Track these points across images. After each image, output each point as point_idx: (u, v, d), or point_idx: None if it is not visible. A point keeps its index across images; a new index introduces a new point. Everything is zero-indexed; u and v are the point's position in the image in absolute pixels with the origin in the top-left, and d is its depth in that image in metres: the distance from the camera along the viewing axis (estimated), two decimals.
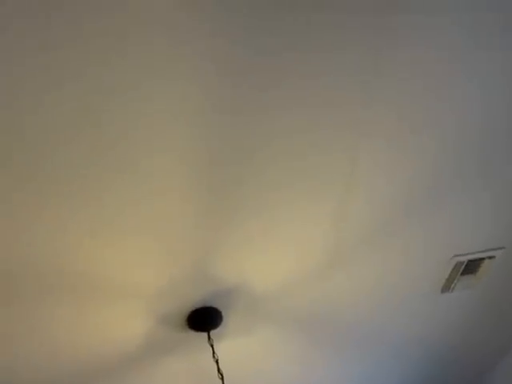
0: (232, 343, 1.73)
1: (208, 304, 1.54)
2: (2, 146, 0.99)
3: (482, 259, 1.78)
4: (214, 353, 1.54)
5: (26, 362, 1.54)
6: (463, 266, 1.78)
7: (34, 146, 1.01)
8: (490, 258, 1.78)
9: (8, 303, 1.33)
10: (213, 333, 1.62)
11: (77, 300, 1.39)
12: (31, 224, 1.15)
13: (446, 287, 1.84)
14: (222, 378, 1.49)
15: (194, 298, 1.50)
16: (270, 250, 1.44)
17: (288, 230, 1.39)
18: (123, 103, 0.99)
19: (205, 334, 1.62)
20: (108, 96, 0.98)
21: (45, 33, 0.86)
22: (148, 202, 1.19)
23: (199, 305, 1.53)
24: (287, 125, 1.13)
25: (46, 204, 1.12)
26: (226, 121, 1.09)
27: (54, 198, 1.12)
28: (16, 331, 1.43)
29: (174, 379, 1.80)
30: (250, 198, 1.26)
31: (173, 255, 1.34)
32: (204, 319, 1.54)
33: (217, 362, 1.52)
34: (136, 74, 0.96)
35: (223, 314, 1.58)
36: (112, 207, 1.18)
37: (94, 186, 1.13)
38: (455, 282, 1.83)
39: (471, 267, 1.81)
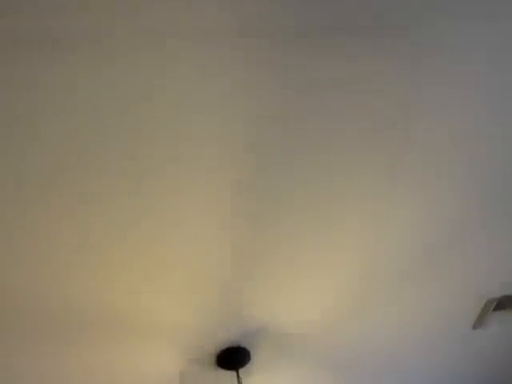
0: (261, 380, 1.73)
1: (237, 343, 1.55)
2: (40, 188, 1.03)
3: None
4: None
5: None
6: (495, 303, 1.75)
7: (74, 200, 1.06)
8: None
9: (45, 340, 1.38)
10: (241, 370, 1.64)
11: (107, 338, 1.42)
12: (65, 262, 1.19)
13: (478, 324, 1.80)
14: None
15: (223, 337, 1.52)
16: (299, 291, 1.44)
17: (316, 272, 1.39)
18: (160, 147, 1.02)
19: (234, 372, 1.63)
20: (150, 141, 1.00)
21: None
22: (181, 244, 1.21)
23: (228, 344, 1.54)
24: (317, 171, 1.15)
25: (80, 245, 1.16)
26: (255, 164, 1.10)
27: (89, 235, 1.15)
28: (50, 368, 1.47)
29: None
30: (279, 243, 1.28)
31: (204, 295, 1.36)
32: (233, 358, 1.56)
33: None
34: (171, 111, 0.96)
35: (252, 352, 1.59)
36: (147, 248, 1.20)
37: (126, 224, 1.15)
38: (487, 318, 1.79)
39: (503, 303, 1.77)
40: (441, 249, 1.48)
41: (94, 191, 1.06)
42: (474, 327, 1.82)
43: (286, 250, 1.31)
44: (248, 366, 1.63)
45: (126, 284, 1.28)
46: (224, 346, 1.55)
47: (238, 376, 1.58)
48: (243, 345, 1.57)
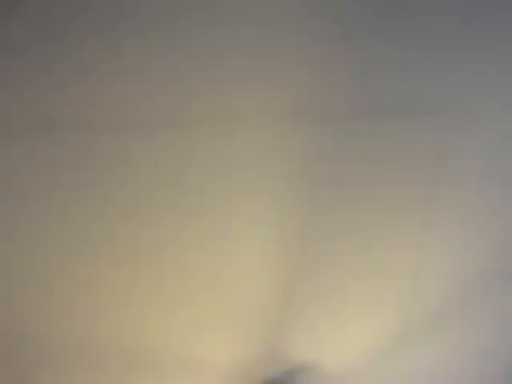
0: None
1: (280, 382, 1.53)
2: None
3: None
4: None
5: None
6: None
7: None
8: None
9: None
10: None
11: (144, 377, 1.41)
12: (113, 300, 1.19)
13: None
14: None
15: (267, 376, 1.50)
16: (344, 328, 1.41)
17: (359, 310, 1.38)
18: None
19: None
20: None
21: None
22: (227, 277, 1.20)
23: (272, 383, 1.52)
24: (361, 220, 1.17)
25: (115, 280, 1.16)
26: (304, 211, 1.12)
27: (138, 276, 1.15)
28: None
29: None
30: (323, 278, 1.28)
31: (247, 331, 1.35)
32: None
33: None
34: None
35: None
36: (191, 280, 1.19)
37: (167, 259, 1.14)
38: None
39: None
40: (489, 287, 1.45)
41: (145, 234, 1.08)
42: None
43: (328, 289, 1.30)
44: None
45: (168, 322, 1.27)
46: None
47: None
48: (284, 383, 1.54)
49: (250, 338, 1.38)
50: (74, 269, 1.11)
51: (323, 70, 0.89)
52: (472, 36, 0.91)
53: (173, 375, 1.43)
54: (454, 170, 1.12)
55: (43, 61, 0.78)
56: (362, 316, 1.41)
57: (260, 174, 1.01)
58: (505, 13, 0.89)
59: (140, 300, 1.21)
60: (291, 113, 0.93)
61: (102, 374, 1.38)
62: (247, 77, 0.86)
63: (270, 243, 1.16)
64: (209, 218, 1.06)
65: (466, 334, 1.57)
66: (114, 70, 0.81)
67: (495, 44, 0.93)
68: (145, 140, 0.91)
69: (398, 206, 1.16)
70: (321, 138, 0.98)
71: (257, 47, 0.83)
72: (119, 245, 1.08)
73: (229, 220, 1.07)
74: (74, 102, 0.84)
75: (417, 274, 1.34)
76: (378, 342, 1.50)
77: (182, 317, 1.27)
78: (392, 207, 1.15)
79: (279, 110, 0.92)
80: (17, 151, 0.88)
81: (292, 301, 1.31)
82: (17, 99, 0.81)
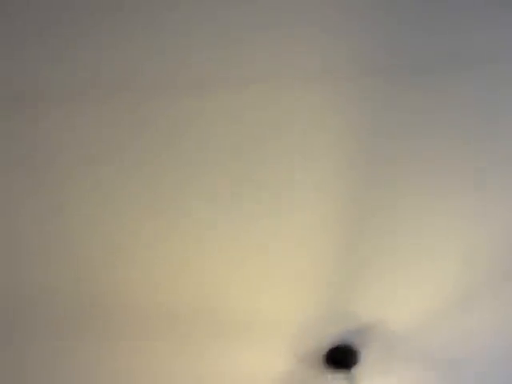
0: (370, 383, 1.66)
1: (345, 342, 1.50)
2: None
3: None
4: None
5: None
6: None
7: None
8: None
9: (153, 339, 1.40)
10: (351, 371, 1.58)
11: (214, 337, 1.43)
12: (179, 258, 1.23)
13: None
14: None
15: (332, 337, 1.48)
16: (407, 287, 1.39)
17: (423, 267, 1.35)
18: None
19: (342, 374, 1.58)
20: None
21: None
22: (291, 238, 1.22)
23: (336, 343, 1.50)
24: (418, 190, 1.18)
25: (195, 242, 1.19)
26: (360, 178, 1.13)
27: (204, 233, 1.18)
28: (159, 368, 1.50)
29: None
30: (386, 238, 1.27)
31: (312, 292, 1.35)
32: (341, 358, 1.50)
33: None
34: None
35: (361, 352, 1.54)
36: (255, 241, 1.21)
37: (241, 226, 1.17)
38: None
39: None
40: None
41: (212, 191, 1.11)
42: None
43: (392, 244, 1.28)
44: (358, 367, 1.57)
45: (235, 283, 1.30)
46: (332, 345, 1.51)
47: (346, 377, 1.52)
48: (352, 344, 1.51)
49: (314, 299, 1.39)
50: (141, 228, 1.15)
51: (375, 28, 0.92)
52: None
53: (236, 337, 1.44)
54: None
55: (105, 23, 0.84)
56: (423, 276, 1.38)
57: (318, 131, 1.03)
58: None
59: (202, 262, 1.24)
60: (341, 72, 0.96)
61: (163, 338, 1.41)
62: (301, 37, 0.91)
63: (332, 203, 1.17)
64: (271, 177, 1.09)
65: None
66: (174, 31, 0.86)
67: None
68: (204, 101, 0.94)
69: (456, 167, 1.16)
70: (379, 94, 1.00)
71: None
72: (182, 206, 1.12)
73: (290, 180, 1.10)
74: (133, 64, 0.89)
75: (474, 236, 1.32)
76: (438, 302, 1.47)
77: (246, 279, 1.30)
78: (451, 169, 1.16)
79: (332, 69, 0.95)
80: (83, 114, 0.95)
81: (355, 261, 1.31)
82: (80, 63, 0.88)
